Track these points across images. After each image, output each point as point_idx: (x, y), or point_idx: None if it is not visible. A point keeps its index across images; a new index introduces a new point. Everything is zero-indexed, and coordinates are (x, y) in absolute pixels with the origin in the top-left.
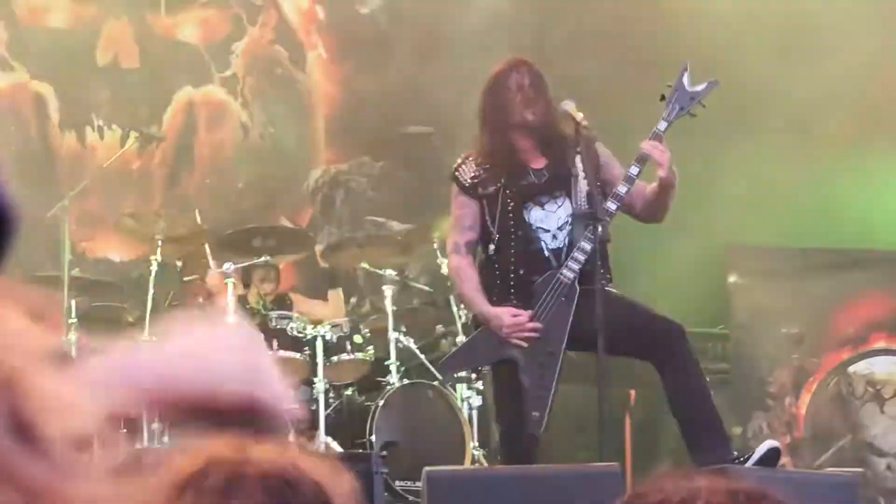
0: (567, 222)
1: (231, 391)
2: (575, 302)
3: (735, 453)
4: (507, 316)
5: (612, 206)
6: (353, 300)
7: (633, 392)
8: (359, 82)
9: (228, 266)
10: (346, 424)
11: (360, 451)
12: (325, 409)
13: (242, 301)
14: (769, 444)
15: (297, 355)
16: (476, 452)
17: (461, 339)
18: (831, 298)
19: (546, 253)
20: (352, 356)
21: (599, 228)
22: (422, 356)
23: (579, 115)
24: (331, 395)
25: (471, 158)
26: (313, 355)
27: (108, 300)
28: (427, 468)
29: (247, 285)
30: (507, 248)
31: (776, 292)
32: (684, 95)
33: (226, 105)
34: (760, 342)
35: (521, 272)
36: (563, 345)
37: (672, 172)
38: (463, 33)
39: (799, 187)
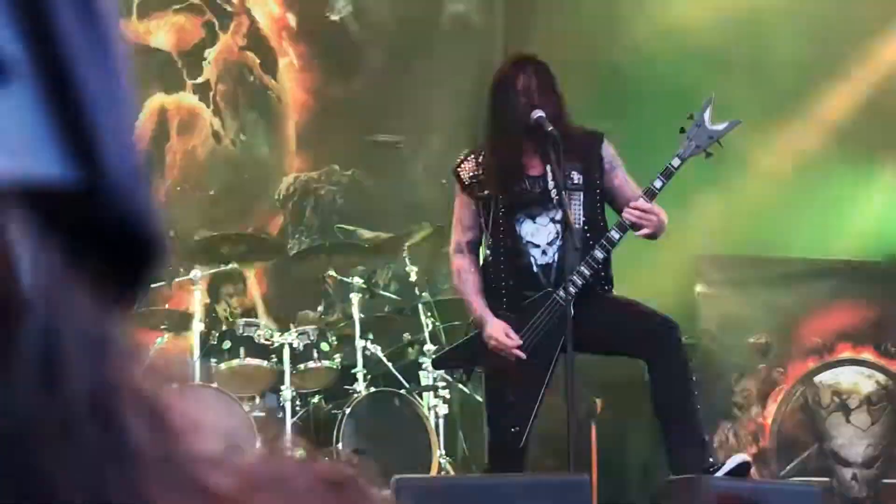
0: (558, 237)
1: None
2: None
3: (711, 459)
4: (498, 332)
5: (599, 254)
6: (320, 308)
7: (599, 401)
8: (328, 90)
9: (196, 273)
10: (313, 432)
11: (327, 458)
12: (292, 416)
13: (210, 309)
14: (741, 457)
15: (265, 363)
16: (443, 461)
17: (429, 347)
18: (798, 308)
19: (535, 268)
20: (319, 364)
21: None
22: (389, 364)
23: (550, 126)
24: (297, 402)
25: (472, 157)
26: (280, 363)
27: None
28: (396, 476)
29: (215, 293)
30: (498, 257)
31: (743, 302)
32: (703, 133)
33: (198, 112)
34: (727, 352)
35: (512, 283)
36: (553, 364)
37: (659, 228)
38: (433, 42)
39: (766, 197)
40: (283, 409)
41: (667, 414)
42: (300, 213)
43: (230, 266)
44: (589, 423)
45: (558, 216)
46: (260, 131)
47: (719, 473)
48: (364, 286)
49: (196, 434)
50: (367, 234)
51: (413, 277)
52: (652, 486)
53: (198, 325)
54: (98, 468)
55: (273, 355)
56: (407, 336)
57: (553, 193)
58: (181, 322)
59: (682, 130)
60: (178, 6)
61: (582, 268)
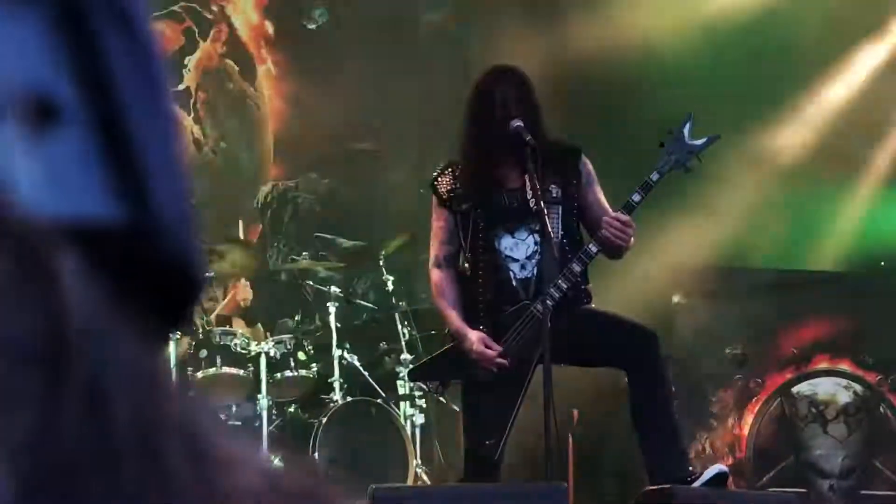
0: (536, 251)
1: None
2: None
3: (691, 468)
4: (478, 343)
5: (577, 268)
6: (297, 317)
7: (576, 411)
8: (306, 98)
9: None
10: (290, 441)
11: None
12: (269, 425)
13: None
14: (718, 468)
15: (241, 372)
16: (419, 470)
17: (406, 356)
18: (775, 319)
19: (514, 283)
20: (295, 373)
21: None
22: (366, 373)
23: (528, 136)
24: (274, 411)
25: (449, 170)
26: (257, 372)
27: None
28: (373, 485)
29: None
30: (476, 271)
31: (720, 313)
32: (682, 147)
33: (179, 119)
34: (704, 362)
35: (490, 297)
36: (529, 376)
37: (631, 245)
38: (410, 52)
39: (743, 208)
40: (259, 418)
41: (645, 423)
42: (279, 221)
43: (207, 274)
44: (566, 434)
45: (537, 228)
46: (239, 139)
47: (697, 483)
48: (341, 295)
49: (237, 468)
50: (345, 242)
51: (390, 287)
52: (628, 496)
53: (174, 334)
54: (143, 499)
55: (250, 364)
56: (384, 345)
57: (532, 203)
58: None
59: (662, 145)
60: (158, 13)
61: (560, 281)
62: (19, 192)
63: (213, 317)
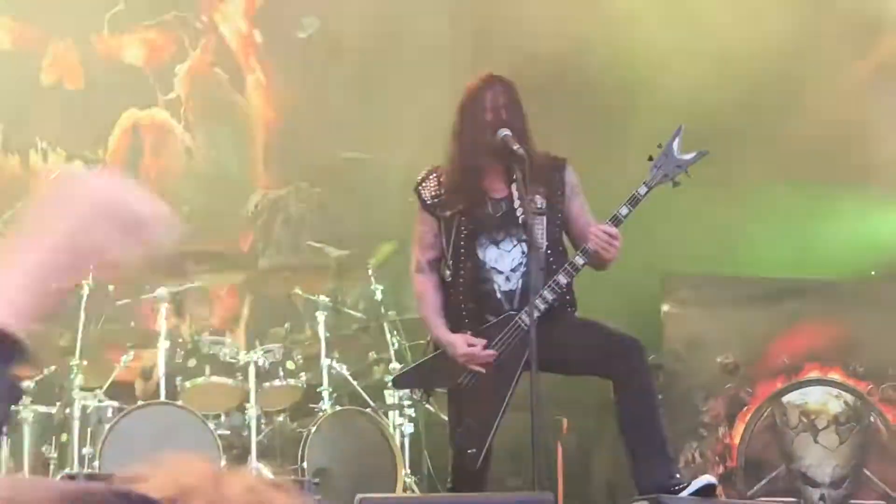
0: (521, 263)
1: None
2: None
3: (678, 476)
4: (462, 344)
5: (563, 279)
6: (286, 326)
7: (565, 420)
8: (296, 107)
9: (161, 291)
10: (278, 451)
11: (292, 477)
12: (257, 435)
13: (176, 327)
14: (706, 479)
15: (230, 381)
16: (408, 480)
17: (395, 365)
18: (766, 328)
19: (498, 294)
20: (284, 382)
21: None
22: (354, 382)
23: (516, 145)
24: (263, 421)
25: (434, 175)
26: (246, 381)
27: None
28: (360, 495)
29: (180, 311)
30: (458, 279)
31: (710, 321)
32: (671, 161)
33: (170, 128)
34: (694, 371)
35: (473, 306)
36: (513, 386)
37: (615, 257)
38: (401, 59)
39: (733, 217)
40: (248, 427)
41: (632, 432)
42: (270, 230)
43: (196, 284)
44: (555, 442)
45: (522, 238)
46: (230, 148)
47: (684, 494)
48: (330, 304)
49: None
50: (336, 251)
51: (379, 296)
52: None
53: (163, 343)
54: None
55: (238, 373)
56: (373, 354)
57: (519, 212)
58: (147, 340)
59: (651, 158)
60: (148, 22)
61: (545, 292)
62: None
63: (202, 326)
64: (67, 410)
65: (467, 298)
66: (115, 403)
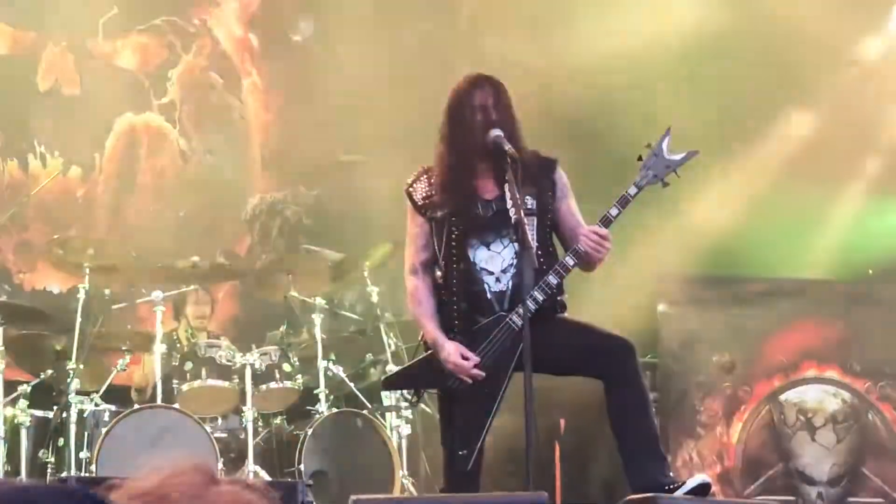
0: (512, 264)
1: None
2: (519, 349)
3: (672, 475)
4: (454, 354)
5: (553, 280)
6: (282, 328)
7: (562, 421)
8: (292, 110)
9: (157, 294)
10: (275, 453)
11: (289, 479)
12: (254, 437)
13: (172, 330)
14: (701, 478)
15: (226, 384)
16: (405, 481)
17: (391, 367)
18: (762, 327)
19: (489, 295)
20: (281, 385)
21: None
22: (351, 384)
23: (508, 146)
24: (259, 423)
25: (425, 176)
26: (242, 384)
27: (36, 328)
28: (353, 496)
29: (179, 314)
30: (451, 280)
31: (707, 321)
32: (661, 162)
33: (165, 132)
34: (691, 371)
35: (464, 307)
36: (504, 388)
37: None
38: (395, 61)
39: (729, 216)
40: (245, 430)
41: (624, 433)
42: (267, 233)
43: (192, 287)
44: (553, 442)
45: (513, 239)
46: (226, 152)
47: (678, 493)
48: (326, 307)
49: None
50: (332, 254)
51: (375, 298)
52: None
53: (160, 347)
54: None
55: (235, 376)
56: (369, 356)
57: (512, 213)
58: (143, 343)
59: (640, 159)
60: (141, 27)
61: (536, 293)
62: None
63: (198, 329)
64: (64, 414)
65: (458, 300)
66: (112, 407)
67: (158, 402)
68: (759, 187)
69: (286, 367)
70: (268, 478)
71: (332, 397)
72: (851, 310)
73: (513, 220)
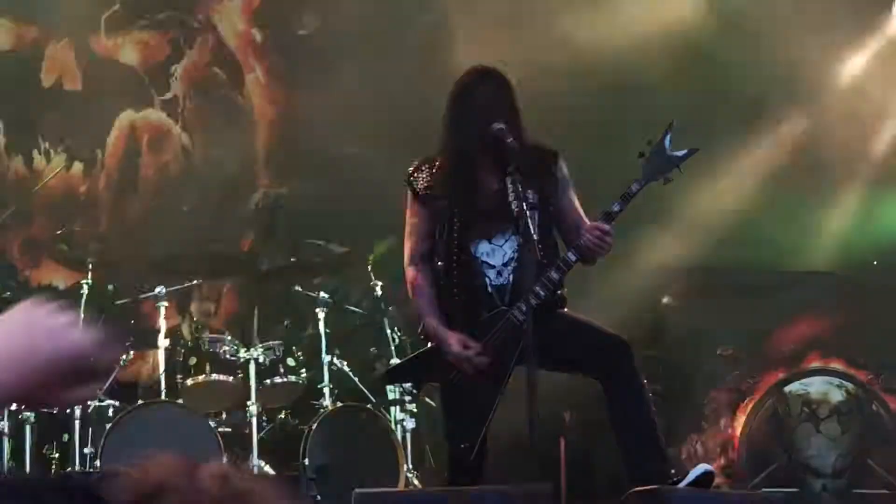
0: (513, 258)
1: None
2: (521, 343)
3: (672, 471)
4: (456, 344)
5: (555, 275)
6: (286, 323)
7: (567, 413)
8: (297, 105)
9: (160, 290)
10: (280, 448)
11: (294, 473)
12: (258, 432)
13: (176, 325)
14: (703, 467)
15: (230, 378)
16: (410, 475)
17: (395, 361)
18: (767, 319)
19: (490, 290)
20: (285, 379)
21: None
22: (355, 378)
23: (510, 139)
24: (264, 418)
25: (426, 166)
26: (246, 378)
27: None
28: (356, 490)
29: (183, 310)
30: (451, 271)
31: (711, 313)
32: (663, 158)
33: (167, 128)
34: (695, 363)
35: (465, 299)
36: (506, 381)
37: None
38: (400, 57)
39: (733, 208)
40: (249, 424)
41: (623, 430)
42: (271, 228)
43: (195, 282)
44: (558, 435)
45: (514, 232)
46: (229, 147)
47: (682, 484)
48: (330, 301)
49: None
50: (337, 248)
51: (378, 292)
52: (620, 497)
53: (163, 342)
54: None
55: (239, 371)
56: (373, 350)
57: (514, 206)
58: (147, 338)
59: (642, 155)
60: (143, 22)
61: (537, 288)
62: None
63: (202, 324)
64: (68, 410)
65: (461, 291)
66: (116, 403)
67: (163, 397)
68: (764, 179)
69: (290, 362)
70: (272, 472)
71: (336, 392)
72: (856, 301)
73: (515, 214)
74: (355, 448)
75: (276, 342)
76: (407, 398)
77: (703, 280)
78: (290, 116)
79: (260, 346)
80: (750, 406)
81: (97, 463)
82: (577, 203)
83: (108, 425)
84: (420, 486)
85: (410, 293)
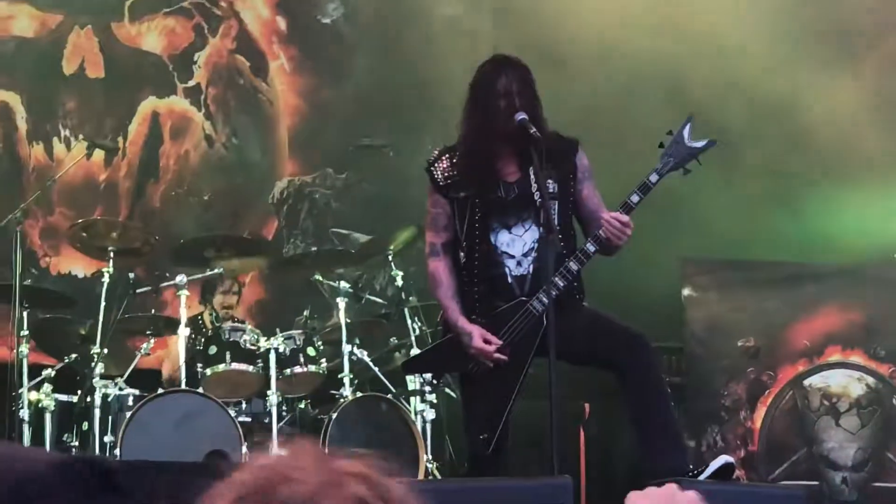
0: (533, 248)
1: None
2: (540, 334)
3: (690, 465)
4: (477, 338)
5: (574, 266)
6: (307, 312)
7: (587, 405)
8: (321, 93)
9: (181, 278)
10: (299, 437)
11: None
12: (278, 422)
13: (197, 314)
14: (724, 459)
15: (250, 368)
16: (430, 465)
17: (416, 351)
18: (787, 311)
19: (509, 279)
20: (305, 369)
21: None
22: (375, 368)
23: (532, 129)
24: (284, 407)
25: (447, 156)
26: (266, 368)
27: (61, 312)
28: None
29: (205, 299)
30: (472, 261)
31: (731, 305)
32: (682, 149)
33: (190, 115)
34: (715, 355)
35: (484, 290)
36: (525, 372)
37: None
38: (423, 45)
39: (754, 200)
40: (269, 414)
41: (642, 424)
42: (295, 217)
43: (216, 271)
44: (578, 428)
45: (535, 222)
46: (252, 135)
47: (703, 476)
48: (351, 291)
49: None
50: (361, 237)
51: (399, 282)
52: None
53: (183, 331)
54: None
55: (259, 360)
56: (394, 340)
57: (536, 196)
58: (167, 327)
59: (661, 146)
60: (167, 9)
61: (556, 279)
62: None
63: (224, 313)
64: (88, 399)
65: (480, 281)
66: (136, 391)
67: (183, 386)
68: (783, 172)
69: (310, 352)
70: None
71: (356, 381)
72: (876, 294)
73: (538, 203)
74: (375, 438)
75: (297, 332)
76: (427, 389)
77: (725, 272)
78: (314, 105)
79: (280, 335)
80: (770, 399)
81: (116, 451)
82: (595, 193)
83: (128, 414)
84: (440, 477)
85: (431, 283)
